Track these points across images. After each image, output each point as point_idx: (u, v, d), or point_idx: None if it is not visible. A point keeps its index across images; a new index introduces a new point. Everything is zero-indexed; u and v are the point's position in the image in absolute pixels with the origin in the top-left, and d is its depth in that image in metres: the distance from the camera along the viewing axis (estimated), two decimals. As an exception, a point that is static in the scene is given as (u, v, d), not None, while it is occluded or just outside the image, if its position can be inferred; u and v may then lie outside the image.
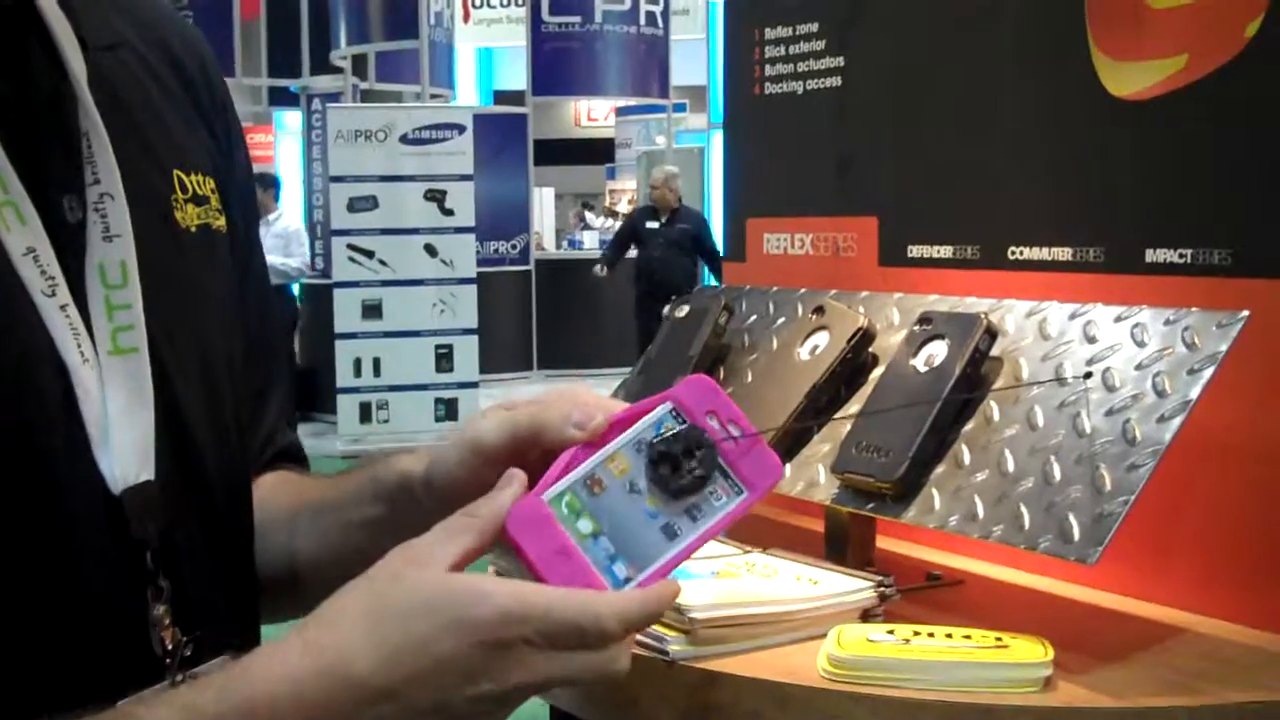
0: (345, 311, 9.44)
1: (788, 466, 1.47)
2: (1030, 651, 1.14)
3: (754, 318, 1.68)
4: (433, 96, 11.92)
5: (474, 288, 9.69)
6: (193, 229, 1.01)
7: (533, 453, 0.92)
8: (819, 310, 1.54)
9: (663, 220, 10.66)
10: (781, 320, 1.64)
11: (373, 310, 9.47)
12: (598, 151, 19.52)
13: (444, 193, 9.52)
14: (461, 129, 9.60)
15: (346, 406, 9.49)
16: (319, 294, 10.43)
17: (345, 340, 9.46)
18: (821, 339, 1.51)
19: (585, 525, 0.86)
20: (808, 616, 1.26)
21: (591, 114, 22.24)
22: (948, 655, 1.14)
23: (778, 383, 1.52)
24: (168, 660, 0.90)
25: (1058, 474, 1.22)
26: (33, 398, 0.85)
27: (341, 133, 9.49)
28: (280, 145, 14.99)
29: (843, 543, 1.47)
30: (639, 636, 1.23)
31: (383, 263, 9.45)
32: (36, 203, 0.87)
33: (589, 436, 0.89)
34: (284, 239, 10.29)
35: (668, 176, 10.75)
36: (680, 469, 0.88)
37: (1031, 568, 1.47)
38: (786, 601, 1.26)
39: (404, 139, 9.48)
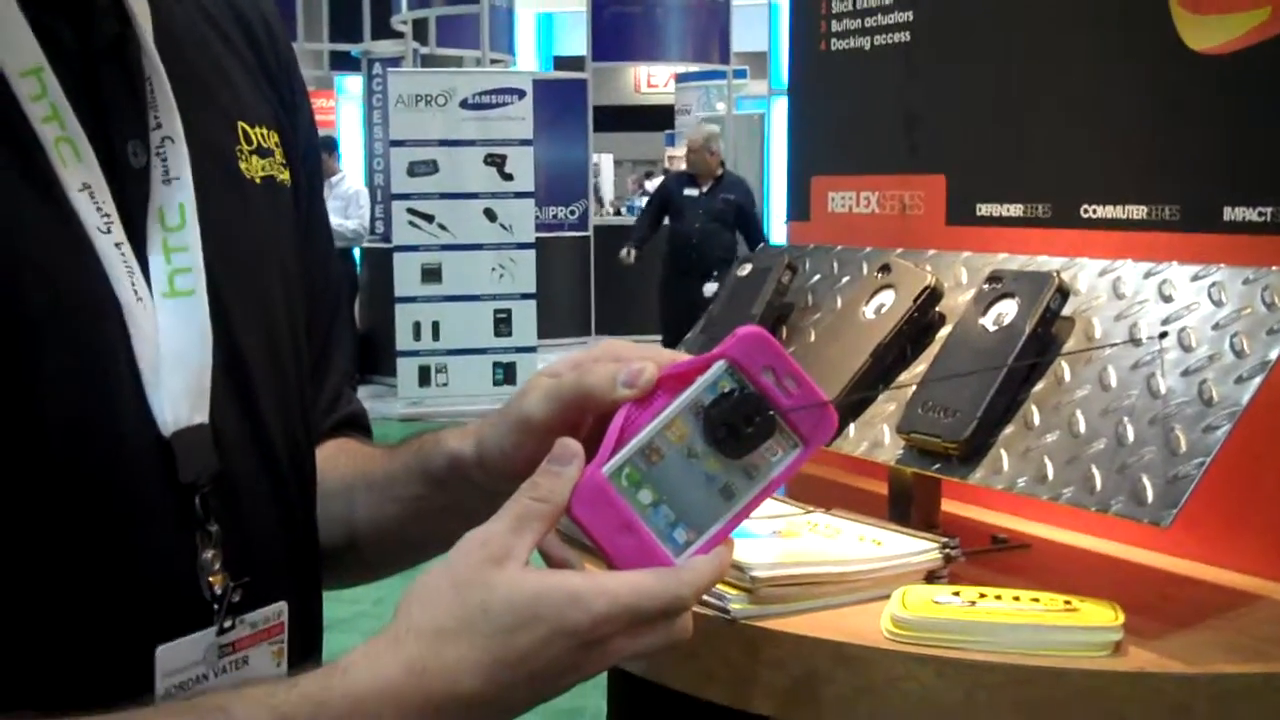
0: (405, 275, 9.50)
1: (851, 426, 1.45)
2: (1100, 615, 1.12)
3: (818, 277, 1.65)
4: (493, 62, 11.90)
5: (533, 253, 9.70)
6: (257, 180, 1.00)
7: (583, 418, 0.91)
8: (885, 268, 1.51)
9: (703, 189, 9.09)
10: (846, 279, 1.61)
11: (432, 274, 9.51)
12: (657, 118, 19.42)
13: (503, 157, 9.53)
14: (521, 94, 9.60)
15: (406, 370, 9.54)
16: (379, 258, 10.47)
17: (405, 304, 9.52)
18: (887, 298, 1.49)
19: (646, 496, 0.85)
20: (871, 577, 1.24)
21: (651, 80, 22.16)
22: (1015, 617, 1.12)
23: (842, 342, 1.50)
24: (215, 606, 0.89)
25: (1131, 435, 1.19)
26: (85, 332, 0.84)
27: (402, 97, 9.52)
28: (341, 110, 15.03)
29: (907, 504, 1.44)
30: (700, 594, 1.22)
31: (442, 227, 9.49)
32: (100, 147, 0.87)
33: (640, 393, 0.88)
34: (344, 201, 10.35)
35: (707, 138, 9.15)
36: (739, 433, 0.86)
37: (1100, 532, 1.44)
38: (849, 562, 1.25)
39: (464, 104, 9.50)
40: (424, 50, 12.79)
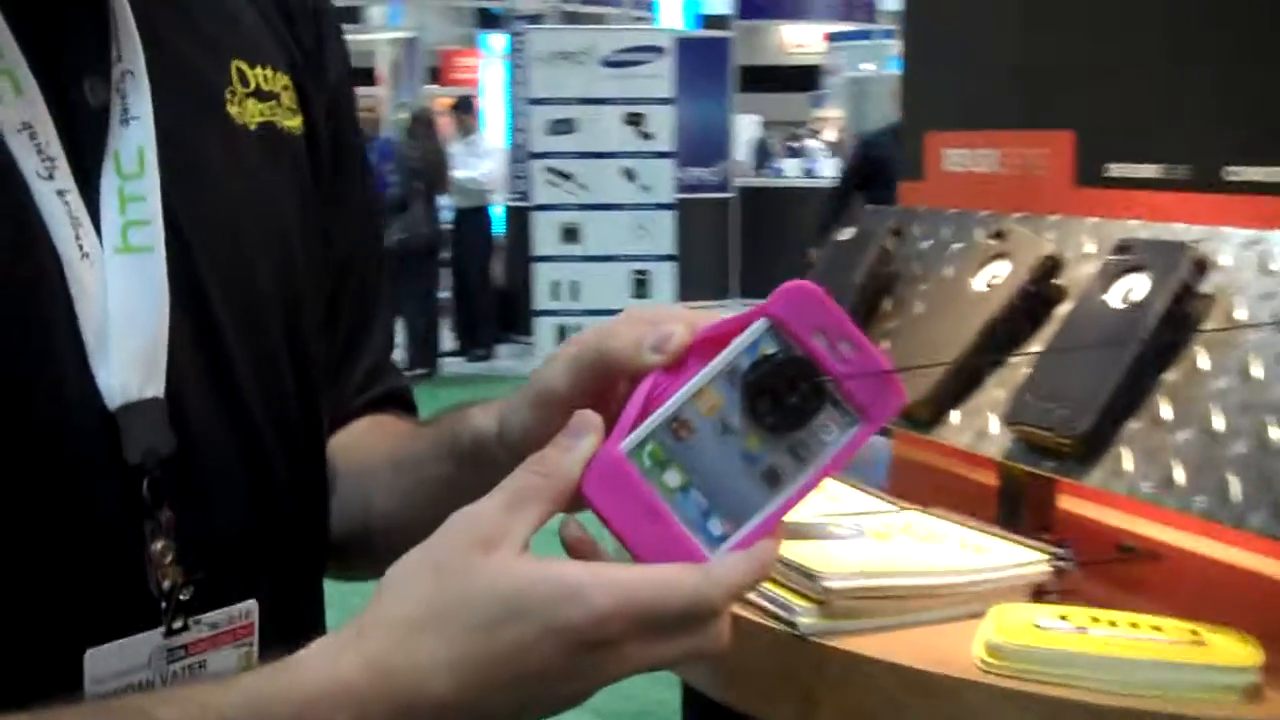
0: (544, 235, 9.49)
1: (955, 413, 1.28)
2: (1233, 651, 0.95)
3: (928, 243, 1.48)
4: (635, 19, 11.78)
5: (672, 213, 9.60)
6: (251, 125, 0.90)
7: (611, 390, 0.76)
8: (999, 235, 1.34)
9: None
10: (959, 246, 1.44)
11: (571, 234, 9.49)
12: (804, 78, 19.12)
13: (643, 116, 9.44)
14: (662, 51, 9.49)
15: (544, 329, 9.52)
16: (519, 217, 10.45)
17: (544, 263, 9.50)
18: (1000, 268, 1.31)
19: (673, 478, 0.70)
20: (966, 591, 1.08)
21: (799, 40, 21.83)
22: (1131, 651, 0.95)
23: (949, 316, 1.33)
24: (163, 603, 0.79)
25: (1276, 437, 1.01)
26: (17, 291, 0.74)
27: (542, 55, 9.48)
28: (486, 68, 15.04)
29: (1017, 503, 1.28)
30: (762, 602, 1.07)
31: (581, 186, 9.43)
32: (50, 82, 0.77)
33: (669, 359, 0.73)
34: (478, 157, 10.34)
35: None
36: (782, 402, 0.70)
37: (1244, 542, 1.25)
38: (941, 572, 1.09)
39: (604, 61, 9.43)
40: (567, 7, 12.71)
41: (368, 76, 14.87)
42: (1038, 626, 1.00)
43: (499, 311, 10.58)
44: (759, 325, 0.72)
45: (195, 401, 0.81)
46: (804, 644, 1.03)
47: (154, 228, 0.80)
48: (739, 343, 0.72)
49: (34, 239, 0.75)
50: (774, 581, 1.08)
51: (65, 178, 0.76)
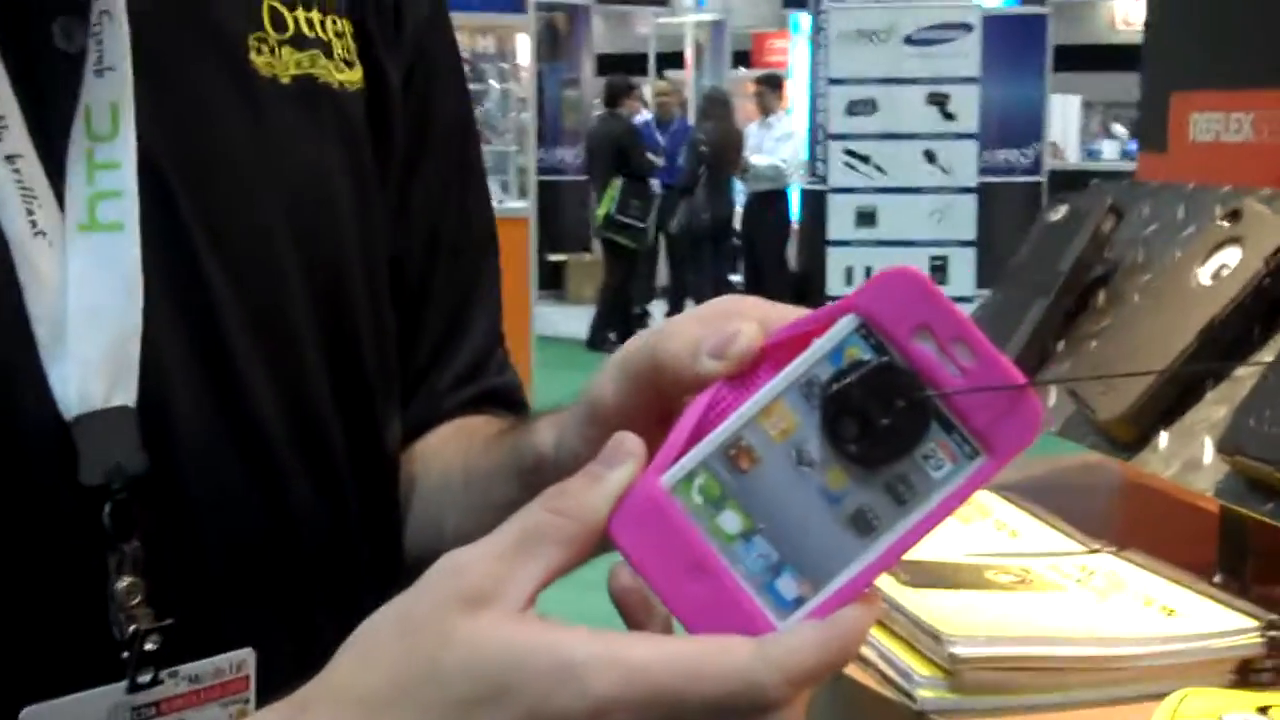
0: (839, 218, 9.29)
1: (1164, 434, 1.04)
2: None
3: (1155, 225, 1.23)
4: (943, -4, 11.39)
5: (974, 197, 9.25)
6: (282, 79, 0.74)
7: (672, 405, 0.57)
8: (1234, 215, 1.08)
9: None
10: (1192, 229, 1.19)
11: (866, 218, 9.27)
12: (1133, 58, 18.20)
13: (946, 96, 9.12)
14: (969, 28, 9.16)
15: (837, 315, 9.33)
16: (814, 199, 10.26)
17: (837, 247, 9.30)
18: (1231, 256, 1.06)
19: (731, 521, 0.51)
20: (1137, 667, 0.85)
21: (1129, 18, 20.81)
22: (1340, 771, 0.71)
23: (1166, 314, 1.08)
24: (126, 653, 0.65)
25: None
26: None
27: (843, 33, 9.27)
28: (794, 49, 14.87)
29: (1240, 551, 1.02)
30: (879, 663, 0.87)
31: (879, 169, 9.19)
32: (12, 21, 0.65)
33: (732, 366, 0.53)
34: (774, 139, 10.21)
35: None
36: (873, 425, 0.51)
37: None
38: (1109, 641, 0.86)
39: (907, 39, 9.16)
40: (872, -16, 12.39)
41: (676, 61, 14.87)
42: (1225, 723, 0.76)
43: (792, 297, 10.43)
44: (845, 323, 0.52)
45: (183, 411, 0.67)
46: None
47: (127, 201, 0.66)
48: (818, 346, 0.52)
49: None
50: (897, 639, 0.87)
51: (17, 139, 0.64)
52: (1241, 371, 1.00)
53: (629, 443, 0.52)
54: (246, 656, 0.70)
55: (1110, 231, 1.23)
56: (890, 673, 0.86)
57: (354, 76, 0.78)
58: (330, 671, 0.52)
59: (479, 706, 0.48)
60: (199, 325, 0.69)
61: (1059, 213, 1.28)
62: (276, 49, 0.74)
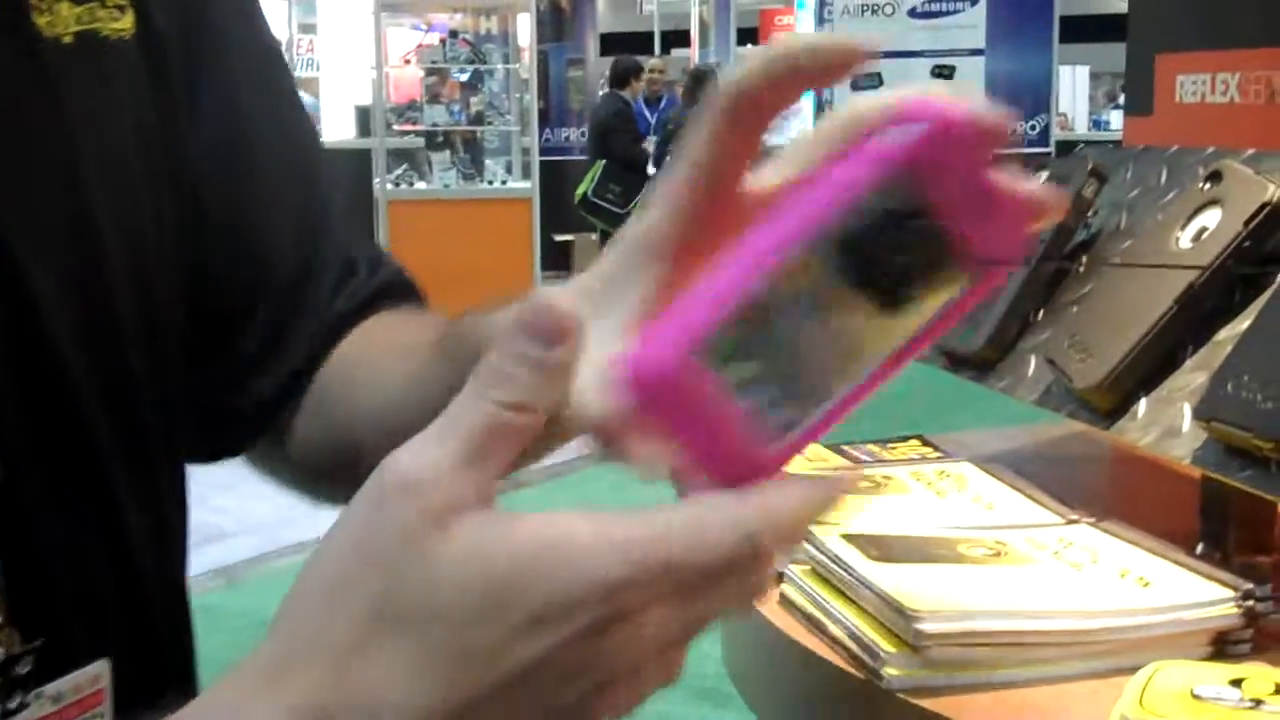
0: (842, 194, 9.23)
1: (1143, 402, 1.01)
2: None
3: (1137, 190, 1.20)
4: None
5: (981, 170, 9.21)
6: (64, 38, 0.68)
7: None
8: (1214, 177, 1.06)
9: None
10: (1175, 193, 1.16)
11: (871, 193, 9.22)
12: (1141, 26, 18.06)
13: (953, 69, 9.03)
14: (974, 0, 9.06)
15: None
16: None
17: (842, 224, 9.26)
18: (1210, 218, 1.03)
19: (743, 370, 0.49)
20: (1109, 640, 0.82)
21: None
22: (1311, 744, 0.69)
23: (1141, 280, 1.06)
24: None
25: None
26: None
27: (848, 7, 9.17)
28: (800, 24, 14.78)
29: (1223, 520, 1.00)
30: (845, 640, 0.85)
31: (885, 143, 9.14)
32: None
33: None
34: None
35: None
36: (890, 263, 0.49)
37: None
38: (1082, 615, 0.83)
39: (912, 12, 9.06)
40: (879, -42, 12.30)
41: (682, 39, 14.78)
42: (1196, 697, 0.74)
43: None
44: (883, 166, 0.50)
45: (10, 413, 0.63)
46: (890, 699, 0.81)
47: None
48: (851, 194, 0.50)
49: None
50: (865, 615, 0.85)
51: None
52: (1221, 336, 0.98)
53: (565, 319, 0.47)
54: (101, 669, 0.67)
55: (1093, 196, 1.20)
56: (857, 650, 0.84)
57: (126, 24, 0.72)
58: (287, 628, 0.47)
59: (476, 624, 0.44)
60: (19, 320, 0.64)
61: (1040, 179, 1.25)
62: (51, 6, 0.68)
